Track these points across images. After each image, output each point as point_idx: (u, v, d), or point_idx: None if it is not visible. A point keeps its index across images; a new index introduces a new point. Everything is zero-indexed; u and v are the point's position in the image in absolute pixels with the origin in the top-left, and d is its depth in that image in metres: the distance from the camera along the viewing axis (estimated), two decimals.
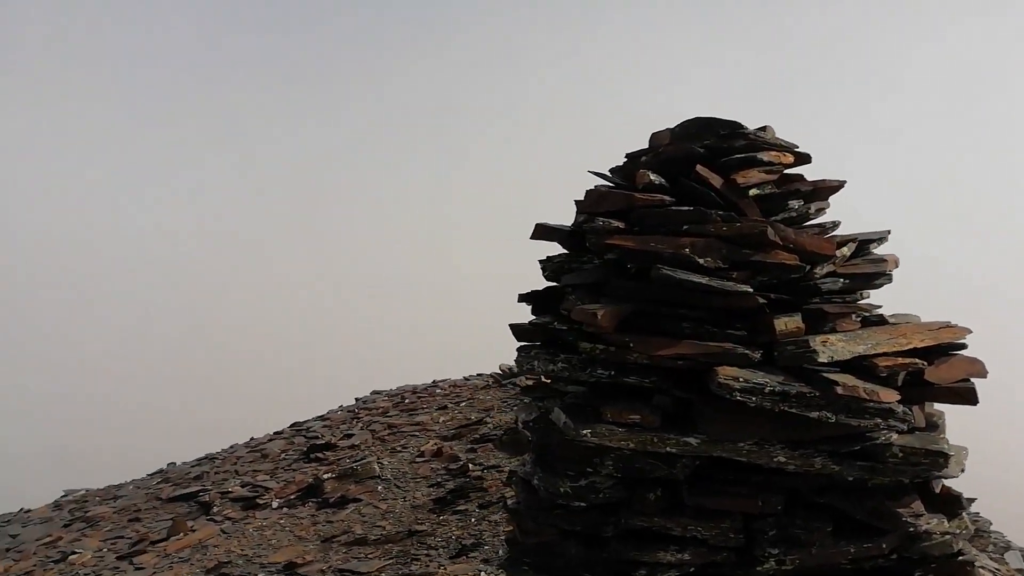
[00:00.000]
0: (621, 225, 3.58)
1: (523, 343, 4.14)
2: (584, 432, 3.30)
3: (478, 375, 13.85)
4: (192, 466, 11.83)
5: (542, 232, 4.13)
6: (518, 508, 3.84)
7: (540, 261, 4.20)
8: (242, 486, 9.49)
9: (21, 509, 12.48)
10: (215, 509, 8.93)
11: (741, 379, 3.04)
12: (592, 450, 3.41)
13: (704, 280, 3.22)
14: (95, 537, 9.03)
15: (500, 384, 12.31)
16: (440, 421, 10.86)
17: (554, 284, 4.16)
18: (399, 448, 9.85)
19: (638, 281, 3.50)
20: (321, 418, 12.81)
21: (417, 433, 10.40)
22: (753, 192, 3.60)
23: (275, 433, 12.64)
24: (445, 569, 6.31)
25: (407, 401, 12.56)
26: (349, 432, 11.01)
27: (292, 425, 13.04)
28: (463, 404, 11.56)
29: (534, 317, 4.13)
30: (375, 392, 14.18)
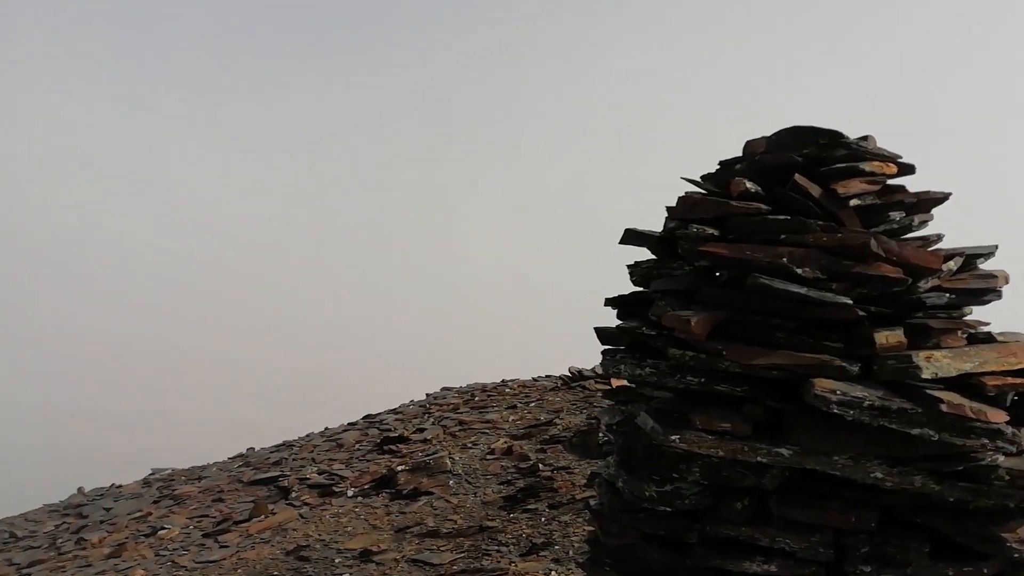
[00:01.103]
0: (715, 232, 3.58)
1: (607, 347, 4.19)
2: (673, 438, 3.32)
3: (547, 376, 13.92)
4: (271, 452, 12.32)
5: (631, 237, 4.16)
6: (601, 510, 3.88)
7: (628, 266, 4.23)
8: (319, 473, 9.83)
9: (112, 484, 13.27)
10: (293, 494, 9.29)
11: (839, 392, 3.00)
12: (679, 456, 3.42)
13: (803, 290, 3.19)
14: (182, 514, 9.52)
15: (569, 386, 12.34)
16: (510, 420, 10.98)
17: (641, 289, 4.19)
18: (470, 444, 10.01)
19: (731, 289, 3.50)
20: (393, 411, 13.12)
21: (487, 431, 10.54)
22: (853, 203, 3.54)
23: (349, 424, 13.03)
24: (516, 566, 6.39)
25: (477, 399, 12.73)
26: (421, 426, 11.25)
27: (365, 417, 13.42)
28: (532, 404, 11.65)
29: (620, 321, 4.18)
30: (445, 388, 14.43)
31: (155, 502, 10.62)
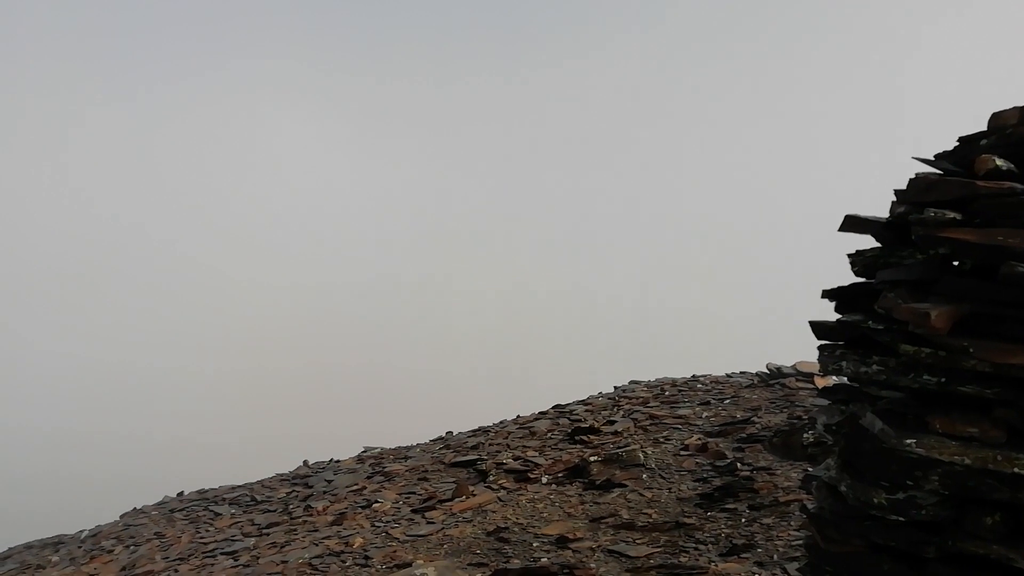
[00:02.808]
0: (957, 216, 3.23)
1: (824, 342, 3.95)
2: (908, 442, 3.05)
3: (741, 373, 13.36)
4: (468, 436, 12.99)
5: (852, 224, 3.87)
6: (821, 514, 3.66)
7: (849, 255, 3.94)
8: (514, 459, 10.21)
9: (331, 459, 14.70)
10: (491, 477, 9.73)
11: None
12: (914, 462, 3.13)
13: None
14: (392, 490, 10.34)
15: (767, 384, 11.75)
16: (703, 416, 10.68)
17: (863, 280, 3.90)
18: (662, 439, 9.88)
19: (978, 279, 3.14)
20: (583, 402, 13.27)
21: (679, 426, 10.34)
22: None
23: (540, 413, 13.37)
24: (716, 566, 6.22)
25: (667, 393, 12.52)
26: (611, 419, 11.28)
27: (555, 407, 13.70)
28: (727, 401, 11.24)
29: (839, 315, 3.91)
30: (633, 382, 14.34)
31: (368, 477, 11.62)
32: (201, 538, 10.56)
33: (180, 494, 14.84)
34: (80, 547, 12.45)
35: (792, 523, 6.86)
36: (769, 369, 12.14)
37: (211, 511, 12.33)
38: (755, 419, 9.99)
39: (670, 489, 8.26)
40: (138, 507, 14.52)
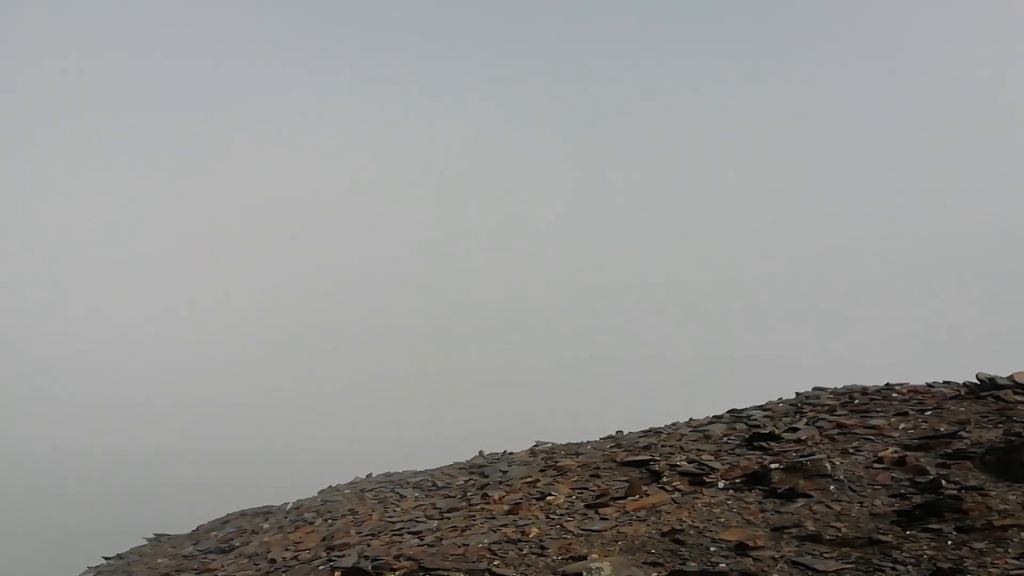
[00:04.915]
0: None
1: None
2: None
3: (945, 383, 12.13)
4: (639, 436, 12.90)
5: None
6: None
7: None
8: (688, 462, 10.01)
9: (505, 451, 15.23)
10: (664, 479, 9.61)
11: None
12: None
13: None
14: (565, 484, 10.52)
15: (977, 396, 10.60)
16: (900, 428, 9.85)
17: None
18: (851, 450, 9.25)
19: None
20: (761, 407, 12.71)
21: (872, 437, 9.62)
22: None
23: (714, 417, 12.98)
24: None
25: (856, 402, 11.67)
26: (793, 426, 10.72)
27: (730, 411, 13.23)
28: (928, 413, 10.28)
29: None
30: (818, 388, 13.50)
31: (541, 471, 11.90)
32: (389, 517, 11.38)
33: (369, 475, 16.08)
34: (286, 517, 13.89)
35: (1010, 550, 6.18)
36: (980, 379, 10.93)
37: (397, 493, 13.25)
38: (963, 434, 9.06)
39: (861, 503, 7.71)
40: (333, 485, 15.92)
